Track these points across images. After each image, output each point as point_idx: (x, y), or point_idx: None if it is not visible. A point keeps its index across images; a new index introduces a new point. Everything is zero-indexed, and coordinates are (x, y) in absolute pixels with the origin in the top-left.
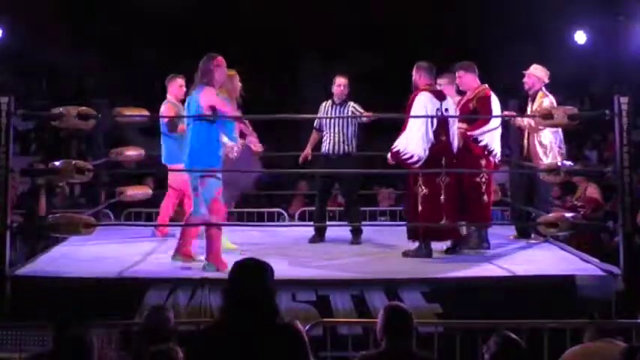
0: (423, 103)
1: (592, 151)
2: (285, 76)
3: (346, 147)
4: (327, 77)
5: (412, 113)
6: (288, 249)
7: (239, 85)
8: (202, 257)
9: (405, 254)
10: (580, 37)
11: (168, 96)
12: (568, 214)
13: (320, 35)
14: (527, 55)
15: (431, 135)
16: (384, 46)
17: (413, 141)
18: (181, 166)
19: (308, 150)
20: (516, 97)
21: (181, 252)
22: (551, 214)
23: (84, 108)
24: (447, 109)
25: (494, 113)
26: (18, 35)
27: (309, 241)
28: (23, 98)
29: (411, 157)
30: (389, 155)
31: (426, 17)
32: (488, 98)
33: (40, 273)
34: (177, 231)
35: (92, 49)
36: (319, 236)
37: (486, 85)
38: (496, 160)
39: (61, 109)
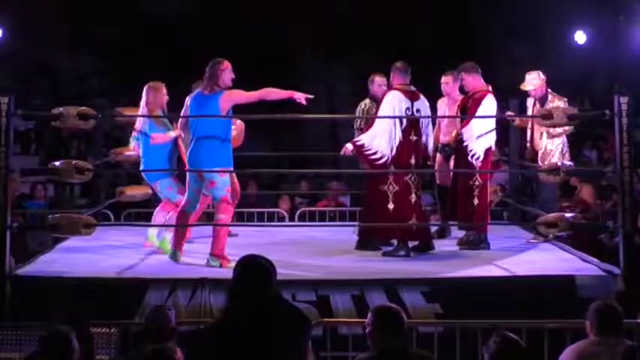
0: (390, 102)
1: (592, 151)
2: (285, 76)
3: None
4: (328, 77)
5: (380, 111)
6: (289, 249)
7: (166, 97)
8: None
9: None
10: (580, 37)
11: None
12: (567, 215)
13: (320, 35)
14: (527, 55)
15: (399, 134)
16: (384, 46)
17: (378, 138)
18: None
19: None
20: (517, 97)
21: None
22: (551, 214)
23: (84, 108)
24: (418, 110)
25: (486, 115)
26: (18, 35)
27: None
28: (23, 98)
29: (375, 153)
30: (350, 146)
31: (426, 17)
32: (479, 100)
33: (40, 273)
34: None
35: (92, 49)
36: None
37: (489, 87)
38: (476, 163)
39: (61, 109)
